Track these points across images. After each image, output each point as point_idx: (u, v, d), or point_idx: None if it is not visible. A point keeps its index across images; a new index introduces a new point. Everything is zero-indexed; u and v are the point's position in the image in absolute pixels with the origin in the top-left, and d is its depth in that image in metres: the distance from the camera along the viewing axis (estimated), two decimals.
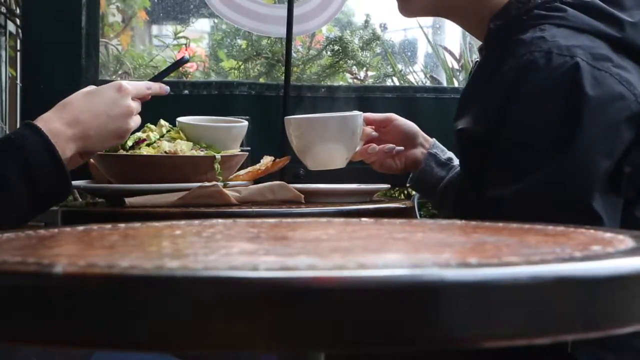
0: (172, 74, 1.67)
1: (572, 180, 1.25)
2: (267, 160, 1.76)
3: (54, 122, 1.34)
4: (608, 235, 0.77)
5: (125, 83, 1.44)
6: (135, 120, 1.45)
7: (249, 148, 1.86)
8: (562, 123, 1.25)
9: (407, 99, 2.50)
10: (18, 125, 2.84)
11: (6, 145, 1.30)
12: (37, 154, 1.29)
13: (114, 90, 1.42)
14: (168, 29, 3.89)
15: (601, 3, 1.35)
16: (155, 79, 1.56)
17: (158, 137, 1.67)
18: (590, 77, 1.25)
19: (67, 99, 1.40)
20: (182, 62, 1.66)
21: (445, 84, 3.29)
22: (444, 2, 1.48)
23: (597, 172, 1.25)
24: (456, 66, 3.41)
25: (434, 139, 1.71)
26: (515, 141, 1.29)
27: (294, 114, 1.88)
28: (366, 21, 3.29)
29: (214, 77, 3.43)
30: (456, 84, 3.20)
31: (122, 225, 0.93)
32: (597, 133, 1.25)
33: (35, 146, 1.29)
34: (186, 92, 2.42)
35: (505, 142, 1.29)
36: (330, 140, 1.63)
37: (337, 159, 1.65)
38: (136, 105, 1.45)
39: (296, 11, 2.41)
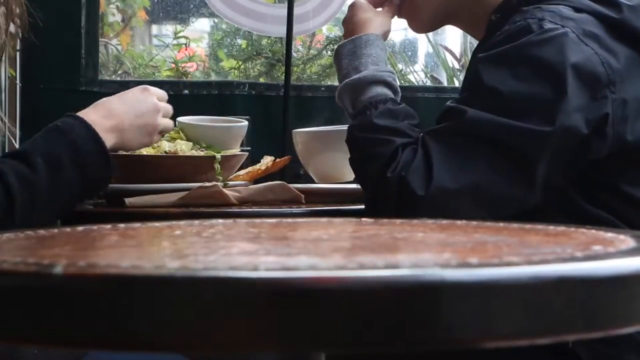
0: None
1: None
2: (267, 160, 1.75)
3: (91, 115, 1.42)
4: (609, 235, 0.77)
5: (148, 86, 1.55)
6: (165, 119, 1.54)
7: (249, 148, 1.86)
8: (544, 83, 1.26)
9: (407, 99, 2.49)
10: (18, 125, 2.84)
11: (56, 132, 1.37)
12: (84, 140, 1.37)
13: (139, 90, 1.53)
14: (168, 28, 3.88)
15: None
16: None
17: None
18: (576, 47, 1.26)
19: (99, 100, 1.49)
20: None
21: (445, 84, 3.29)
22: (446, 9, 1.48)
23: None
24: (457, 66, 3.41)
25: None
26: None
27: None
28: None
29: (214, 77, 3.43)
30: (457, 84, 3.20)
31: (122, 225, 0.93)
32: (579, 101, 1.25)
33: (82, 133, 1.38)
34: (186, 92, 2.42)
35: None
36: (338, 153, 1.61)
37: (346, 172, 1.63)
38: (163, 105, 1.54)
39: (296, 11, 2.41)
